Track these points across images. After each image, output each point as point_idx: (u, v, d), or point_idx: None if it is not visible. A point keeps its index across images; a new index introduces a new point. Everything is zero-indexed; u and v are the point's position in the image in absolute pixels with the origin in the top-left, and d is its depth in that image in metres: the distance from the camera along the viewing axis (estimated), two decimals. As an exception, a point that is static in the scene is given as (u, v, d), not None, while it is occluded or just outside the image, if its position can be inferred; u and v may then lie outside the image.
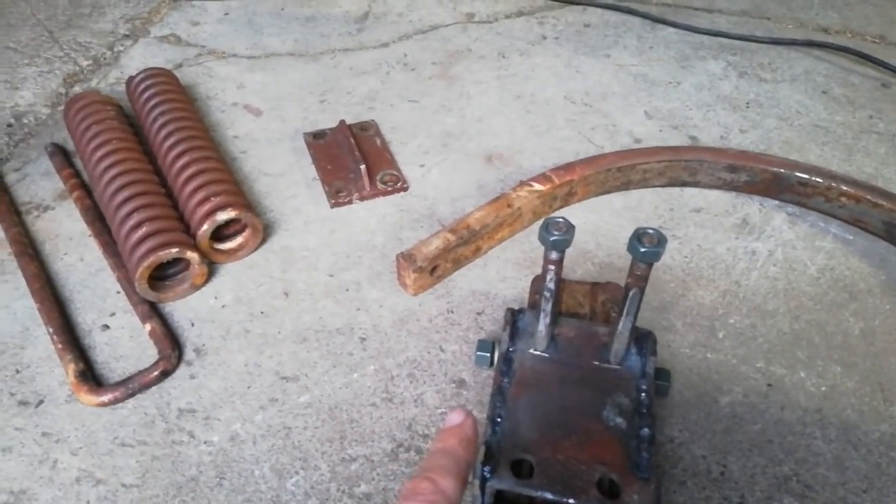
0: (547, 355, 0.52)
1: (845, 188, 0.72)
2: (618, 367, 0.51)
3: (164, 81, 0.84)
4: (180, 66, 0.98)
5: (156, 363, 0.59)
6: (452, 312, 0.65)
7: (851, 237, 0.73)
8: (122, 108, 0.83)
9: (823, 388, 0.59)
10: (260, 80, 0.95)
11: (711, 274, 0.69)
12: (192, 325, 0.64)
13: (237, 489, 0.52)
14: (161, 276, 0.66)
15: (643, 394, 0.49)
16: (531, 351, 0.53)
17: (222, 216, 0.66)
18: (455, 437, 0.34)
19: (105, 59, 1.01)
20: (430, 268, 0.66)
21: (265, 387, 0.59)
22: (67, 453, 0.54)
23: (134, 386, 0.58)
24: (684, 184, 0.78)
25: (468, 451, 0.33)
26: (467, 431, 0.34)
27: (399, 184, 0.78)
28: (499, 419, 0.48)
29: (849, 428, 0.56)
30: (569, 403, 0.49)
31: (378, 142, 0.84)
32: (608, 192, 0.78)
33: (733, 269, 0.69)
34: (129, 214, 0.66)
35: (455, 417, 0.35)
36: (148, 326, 0.63)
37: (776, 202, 0.76)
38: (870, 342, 0.62)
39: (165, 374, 0.59)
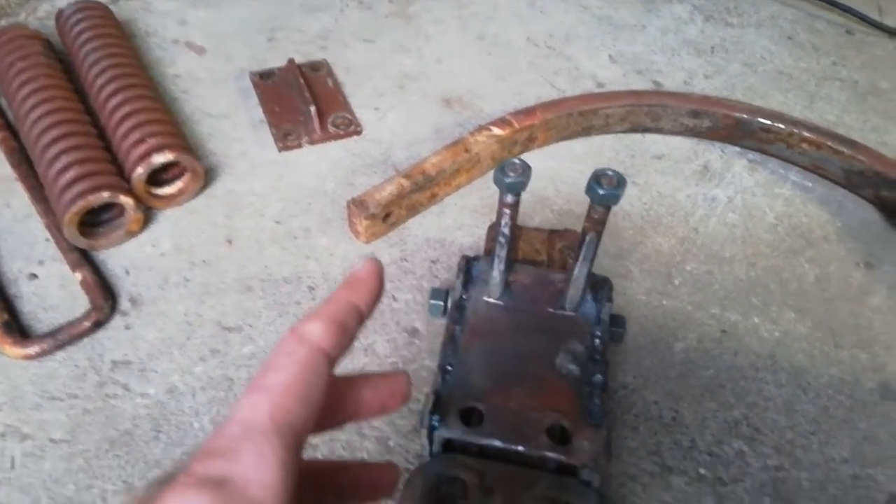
0: (501, 303, 0.51)
1: (806, 134, 0.71)
2: (573, 313, 0.49)
3: (98, 16, 0.77)
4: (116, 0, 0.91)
5: (87, 313, 0.56)
6: (406, 261, 0.63)
7: (810, 184, 0.72)
8: (52, 44, 0.77)
9: (776, 334, 0.59)
10: (203, 16, 0.89)
11: (670, 221, 0.67)
12: (128, 273, 0.60)
13: (175, 442, 0.50)
14: (94, 222, 0.62)
15: (597, 340, 0.48)
16: (485, 299, 0.51)
17: (158, 158, 0.62)
18: (345, 284, 0.29)
19: (33, -10, 0.93)
20: (382, 214, 0.63)
21: (206, 337, 0.56)
22: (-9, 408, 0.51)
23: (63, 337, 0.55)
24: (646, 130, 0.76)
25: (355, 292, 0.28)
26: (359, 274, 0.29)
27: (352, 127, 0.74)
28: (449, 367, 0.47)
29: (799, 372, 0.56)
30: (522, 351, 0.47)
31: (330, 83, 0.79)
32: (569, 137, 0.75)
33: (692, 216, 0.68)
34: (56, 156, 0.61)
35: (356, 265, 0.30)
36: (79, 275, 0.59)
37: (737, 149, 0.75)
38: (824, 288, 0.62)
39: (98, 325, 0.56)
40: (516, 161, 0.42)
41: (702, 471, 0.51)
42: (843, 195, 0.71)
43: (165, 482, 0.24)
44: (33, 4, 0.90)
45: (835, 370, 0.57)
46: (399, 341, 0.57)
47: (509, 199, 0.43)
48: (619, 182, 0.41)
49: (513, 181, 0.42)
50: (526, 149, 0.73)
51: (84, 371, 0.54)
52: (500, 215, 0.44)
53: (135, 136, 0.63)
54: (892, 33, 0.93)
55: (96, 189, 0.59)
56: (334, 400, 0.30)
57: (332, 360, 0.27)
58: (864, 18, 0.93)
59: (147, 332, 0.57)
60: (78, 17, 0.76)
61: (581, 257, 0.45)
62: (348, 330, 0.28)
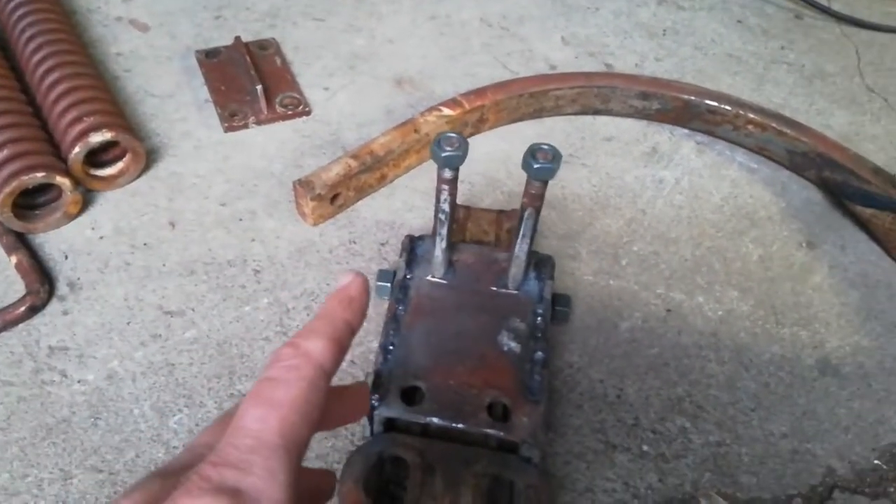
0: (445, 282, 0.50)
1: (752, 116, 0.72)
2: (515, 291, 0.50)
3: (35, -10, 0.74)
4: (57, -26, 0.87)
5: (22, 298, 0.54)
6: (354, 243, 0.62)
7: (756, 166, 0.73)
8: (-14, 19, 0.74)
9: (720, 313, 0.60)
10: (149, -7, 0.86)
11: (618, 202, 0.68)
12: (66, 257, 0.59)
13: (114, 429, 0.49)
14: (30, 204, 0.60)
15: (539, 318, 0.48)
16: (428, 278, 0.51)
17: (96, 138, 0.60)
18: (335, 298, 0.29)
19: (-33, -36, 0.89)
20: (330, 196, 0.62)
21: (147, 322, 0.55)
22: (-82, 397, 0.49)
23: (-4, 323, 0.53)
24: (597, 112, 0.76)
25: (349, 310, 0.29)
26: (350, 291, 0.30)
27: (300, 107, 0.73)
28: (391, 347, 0.46)
29: (741, 350, 0.57)
30: (464, 329, 0.47)
31: (278, 62, 0.78)
32: (521, 119, 0.75)
33: (640, 198, 0.68)
34: (-12, 136, 0.59)
35: (342, 279, 0.30)
36: (14, 259, 0.57)
37: (686, 131, 0.76)
38: (766, 267, 0.64)
39: (34, 311, 0.54)
40: (452, 135, 0.42)
41: (645, 448, 0.51)
42: (787, 177, 0.73)
43: (166, 478, 0.24)
44: (-33, -21, 0.86)
45: (776, 347, 0.58)
46: (346, 323, 0.56)
47: (447, 174, 0.43)
48: (555, 156, 0.41)
49: (450, 155, 0.41)
50: (477, 130, 0.73)
51: (19, 357, 0.52)
52: (438, 191, 0.44)
53: (72, 114, 0.61)
54: (839, 18, 0.95)
55: (31, 169, 0.57)
56: None
57: (329, 378, 0.27)
58: (812, 3, 0.95)
59: (86, 317, 0.55)
60: (13, -9, 0.73)
61: (521, 234, 0.45)
62: (344, 349, 0.28)
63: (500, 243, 0.56)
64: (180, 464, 0.26)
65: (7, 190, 0.56)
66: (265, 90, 0.71)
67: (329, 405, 0.30)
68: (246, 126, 0.71)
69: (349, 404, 0.33)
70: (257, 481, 0.23)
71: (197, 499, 0.22)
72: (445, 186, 0.44)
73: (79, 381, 0.51)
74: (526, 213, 0.44)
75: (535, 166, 0.40)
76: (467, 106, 0.70)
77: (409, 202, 0.66)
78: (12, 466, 0.47)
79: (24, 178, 0.56)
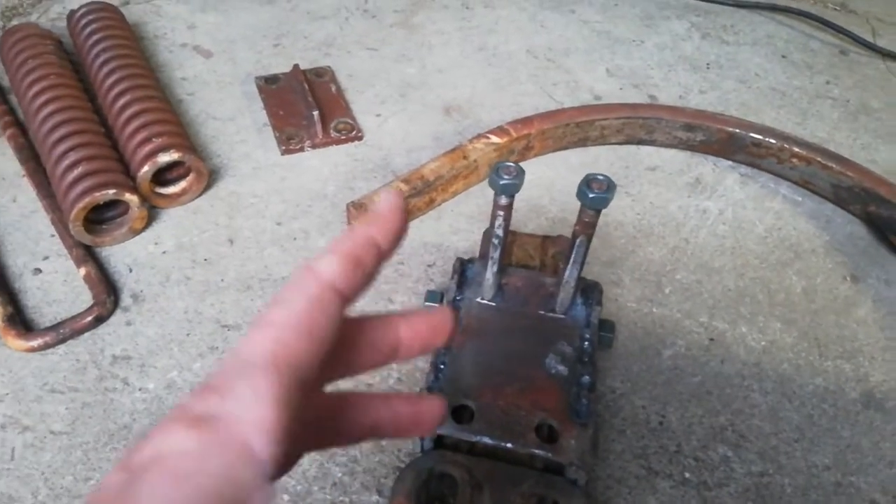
0: (494, 304, 0.52)
1: (797, 150, 0.72)
2: (563, 316, 0.51)
3: (108, 17, 0.79)
4: (127, 2, 0.93)
5: (90, 308, 0.57)
6: (403, 264, 0.64)
7: (800, 199, 0.73)
8: (63, 43, 0.79)
9: (763, 343, 0.60)
10: (212, 21, 0.91)
11: (662, 231, 0.69)
12: (130, 270, 0.62)
13: (173, 435, 0.51)
14: (98, 219, 0.63)
15: (586, 342, 0.49)
16: (478, 300, 0.52)
17: (164, 158, 0.63)
18: (364, 218, 0.26)
19: (45, -8, 0.95)
20: (380, 218, 0.64)
21: (205, 335, 0.58)
22: (-6, 398, 0.52)
23: (65, 331, 0.56)
24: (641, 142, 0.77)
25: (374, 226, 0.26)
26: (380, 207, 0.27)
27: (353, 132, 0.76)
28: (442, 366, 0.48)
29: (784, 381, 0.57)
30: (512, 351, 0.49)
31: (333, 89, 0.81)
32: (565, 147, 0.77)
33: (683, 227, 0.69)
34: (64, 153, 0.63)
35: (378, 199, 0.27)
36: (83, 271, 0.60)
37: (729, 163, 0.76)
38: (810, 300, 0.64)
39: (100, 320, 0.57)
40: (510, 164, 0.44)
41: (687, 475, 0.52)
42: (831, 210, 0.73)
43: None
44: (46, 5, 0.92)
45: (819, 380, 0.58)
46: (394, 342, 0.58)
47: (503, 200, 0.45)
48: (609, 186, 0.42)
49: (507, 183, 0.43)
50: (522, 158, 0.74)
51: (85, 365, 0.55)
52: (493, 217, 0.46)
53: (141, 135, 0.65)
54: (884, 54, 0.95)
55: (103, 186, 0.60)
56: (364, 341, 0.28)
57: (345, 297, 0.24)
58: (857, 39, 0.95)
59: (147, 328, 0.58)
60: (89, 18, 0.78)
61: (571, 260, 0.47)
62: (365, 267, 0.25)
63: (545, 268, 0.57)
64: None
65: (80, 205, 0.59)
66: (321, 115, 0.74)
67: (398, 333, 0.28)
68: (302, 149, 0.74)
69: (424, 330, 0.29)
70: (237, 406, 0.21)
71: (168, 431, 0.20)
72: (501, 212, 0.45)
73: (140, 390, 0.54)
74: (578, 241, 0.45)
75: (590, 195, 0.42)
76: (514, 134, 0.72)
77: (455, 225, 0.68)
78: (76, 470, 0.49)
79: (97, 194, 0.60)
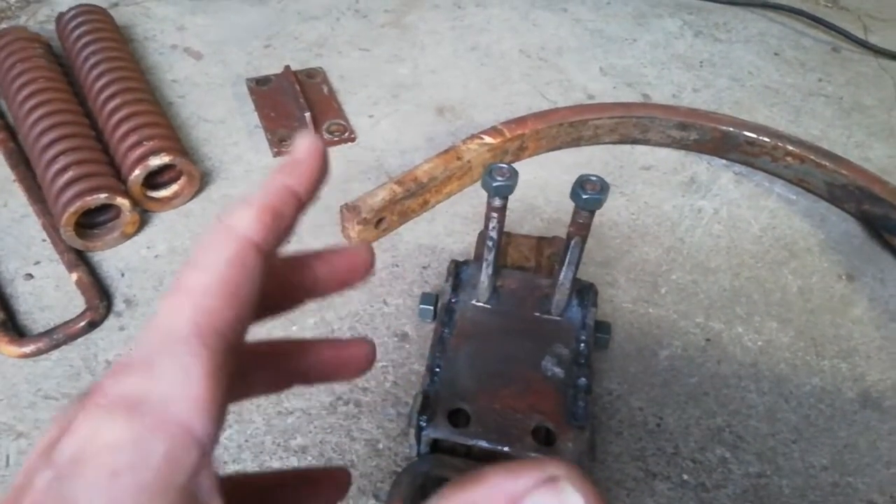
0: (489, 306, 0.52)
1: (791, 148, 0.72)
2: (559, 318, 0.51)
3: (97, 20, 0.79)
4: (116, 4, 0.92)
5: (82, 313, 0.57)
6: (397, 266, 0.64)
7: (795, 197, 0.74)
8: (52, 46, 0.78)
9: (759, 343, 0.60)
10: (201, 23, 0.90)
11: (657, 231, 0.69)
12: (123, 275, 0.61)
13: (167, 442, 0.51)
14: (90, 223, 0.62)
15: (582, 344, 0.49)
16: (473, 302, 0.52)
17: (155, 161, 0.63)
18: (280, 167, 0.25)
19: (33, -6, 0.94)
20: (375, 220, 0.64)
21: (199, 338, 0.57)
22: (-15, 406, 0.52)
23: (59, 337, 0.55)
24: (635, 141, 0.77)
25: (291, 174, 0.24)
26: (296, 154, 0.25)
27: (346, 134, 0.75)
28: (437, 369, 0.47)
29: (781, 381, 0.57)
30: (508, 354, 0.48)
31: (325, 90, 0.80)
32: (559, 147, 0.77)
33: (678, 227, 0.69)
34: (54, 158, 0.62)
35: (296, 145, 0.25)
36: (75, 276, 0.60)
37: (724, 161, 0.76)
38: (806, 299, 0.64)
39: (93, 325, 0.57)
40: (503, 165, 0.43)
41: (685, 477, 0.52)
42: (826, 208, 0.73)
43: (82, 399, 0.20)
44: (34, 8, 0.91)
45: (816, 379, 0.58)
46: (389, 345, 0.58)
47: (497, 202, 0.44)
48: (603, 187, 0.42)
49: (500, 184, 0.43)
50: (516, 158, 0.74)
51: (78, 371, 0.55)
52: (487, 219, 0.46)
53: (132, 138, 0.64)
54: (876, 51, 0.95)
55: (94, 190, 0.60)
56: (282, 282, 0.27)
57: (264, 252, 0.23)
58: (849, 36, 0.95)
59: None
60: (78, 20, 0.77)
61: (566, 262, 0.47)
62: (284, 218, 0.24)
63: (541, 269, 0.57)
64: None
65: (71, 210, 0.59)
66: (313, 117, 0.74)
67: (314, 271, 0.27)
68: (294, 151, 0.73)
69: (342, 267, 0.28)
70: (165, 385, 0.19)
71: (92, 416, 0.19)
72: (494, 214, 0.45)
73: (134, 395, 0.53)
74: (572, 242, 0.45)
75: (584, 197, 0.42)
76: (508, 134, 0.71)
77: (450, 227, 0.68)
78: (69, 475, 0.49)
79: (88, 198, 0.59)
